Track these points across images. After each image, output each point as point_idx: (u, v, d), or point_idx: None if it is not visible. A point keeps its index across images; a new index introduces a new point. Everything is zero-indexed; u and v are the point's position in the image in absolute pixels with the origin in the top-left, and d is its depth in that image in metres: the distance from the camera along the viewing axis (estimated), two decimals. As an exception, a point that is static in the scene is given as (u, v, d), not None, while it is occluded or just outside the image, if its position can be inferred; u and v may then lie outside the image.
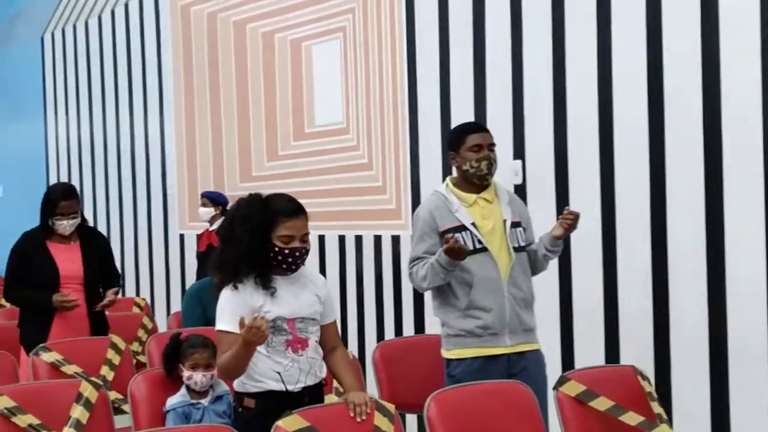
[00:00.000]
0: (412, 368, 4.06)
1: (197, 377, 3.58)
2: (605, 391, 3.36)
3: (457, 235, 3.57)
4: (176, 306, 7.06)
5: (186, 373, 3.61)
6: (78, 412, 3.36)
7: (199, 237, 6.62)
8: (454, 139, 3.76)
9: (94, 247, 4.68)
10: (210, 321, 4.61)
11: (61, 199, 4.50)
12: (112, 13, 8.21)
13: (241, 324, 2.87)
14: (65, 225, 4.52)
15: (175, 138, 7.47)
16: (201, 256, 6.54)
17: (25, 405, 3.31)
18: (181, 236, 7.46)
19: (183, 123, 7.39)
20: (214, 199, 6.46)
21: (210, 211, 6.41)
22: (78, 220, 4.58)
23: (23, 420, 3.26)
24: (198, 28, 7.20)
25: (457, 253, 3.47)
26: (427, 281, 3.61)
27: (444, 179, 3.86)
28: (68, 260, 4.54)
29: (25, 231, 4.61)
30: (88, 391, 3.43)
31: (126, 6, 8.03)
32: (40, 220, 4.57)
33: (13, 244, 4.58)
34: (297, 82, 6.30)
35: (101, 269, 4.66)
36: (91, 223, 8.38)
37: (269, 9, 6.48)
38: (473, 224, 3.63)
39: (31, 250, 4.41)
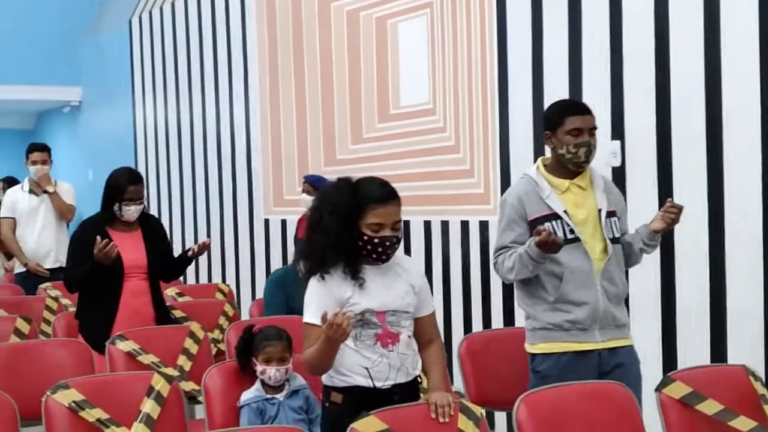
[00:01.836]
0: (500, 363, 3.86)
1: (271, 371, 3.43)
2: (713, 393, 3.12)
3: (548, 224, 3.34)
4: (261, 293, 6.95)
5: (259, 368, 3.46)
6: (149, 406, 3.25)
7: (299, 222, 6.46)
8: (552, 118, 3.50)
9: (155, 233, 4.58)
10: (293, 310, 4.46)
11: (129, 183, 4.39)
12: (198, -6, 8.15)
13: (323, 319, 2.72)
14: (132, 211, 4.42)
15: (260, 121, 7.35)
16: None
17: (94, 398, 3.20)
18: (266, 221, 7.35)
19: (268, 105, 7.27)
20: (314, 184, 6.28)
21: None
22: (143, 206, 4.49)
23: (91, 414, 3.16)
24: (283, 7, 7.06)
25: (549, 246, 3.23)
26: (514, 273, 3.40)
27: (535, 163, 3.61)
28: (132, 249, 4.43)
29: (84, 219, 4.50)
30: (160, 384, 3.32)
31: (211, -13, 7.96)
32: (103, 207, 4.45)
33: (73, 233, 4.47)
34: (382, 61, 6.09)
35: (162, 256, 4.57)
36: (178, 208, 8.44)
37: (354, -14, 6.29)
38: (565, 212, 3.40)
39: (92, 240, 4.25)
